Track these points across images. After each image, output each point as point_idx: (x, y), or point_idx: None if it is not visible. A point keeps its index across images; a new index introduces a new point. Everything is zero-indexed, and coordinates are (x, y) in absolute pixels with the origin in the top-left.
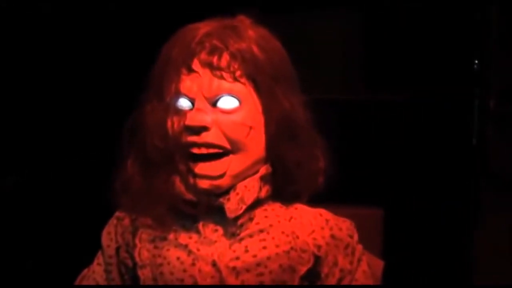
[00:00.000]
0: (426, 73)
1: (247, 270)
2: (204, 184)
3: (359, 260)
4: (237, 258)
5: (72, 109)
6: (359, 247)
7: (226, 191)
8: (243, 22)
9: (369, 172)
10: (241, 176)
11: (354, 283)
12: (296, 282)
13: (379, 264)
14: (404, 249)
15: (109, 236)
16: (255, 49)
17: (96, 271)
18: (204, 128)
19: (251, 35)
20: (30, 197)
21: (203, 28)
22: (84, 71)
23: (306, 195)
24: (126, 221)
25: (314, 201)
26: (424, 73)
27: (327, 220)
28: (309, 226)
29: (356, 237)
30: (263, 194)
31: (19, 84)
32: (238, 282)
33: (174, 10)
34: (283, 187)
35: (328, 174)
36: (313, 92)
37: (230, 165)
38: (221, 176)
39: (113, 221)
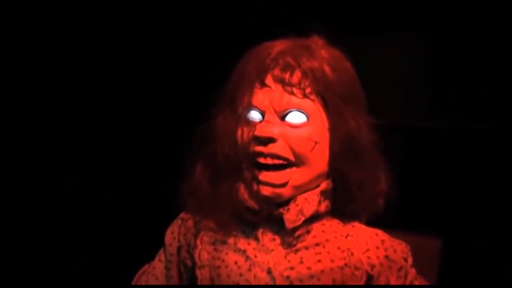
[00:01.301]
0: (498, 102)
1: (300, 281)
2: (266, 191)
3: (411, 284)
4: (292, 268)
5: (142, 113)
6: (412, 271)
7: (286, 202)
8: (316, 42)
9: (430, 200)
10: (302, 188)
11: None
12: None
13: None
14: (461, 285)
15: (173, 235)
16: (326, 68)
17: (156, 267)
18: (272, 140)
19: (323, 55)
20: (94, 197)
21: (277, 46)
22: (152, 82)
23: (365, 216)
24: (190, 223)
25: (371, 223)
26: (496, 102)
27: (382, 241)
28: (365, 245)
29: (410, 260)
30: (322, 208)
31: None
32: None
33: (250, 29)
34: (343, 205)
35: (389, 198)
36: (377, 116)
37: (293, 176)
38: (283, 185)
39: (177, 221)
